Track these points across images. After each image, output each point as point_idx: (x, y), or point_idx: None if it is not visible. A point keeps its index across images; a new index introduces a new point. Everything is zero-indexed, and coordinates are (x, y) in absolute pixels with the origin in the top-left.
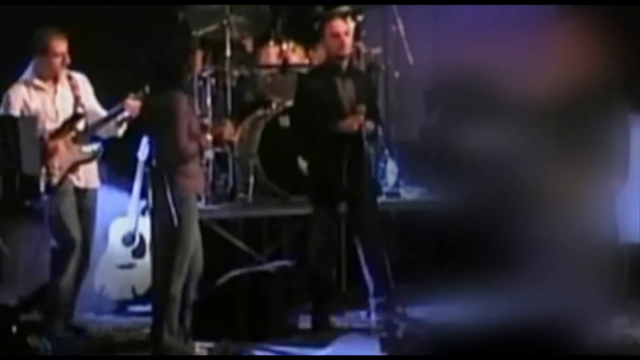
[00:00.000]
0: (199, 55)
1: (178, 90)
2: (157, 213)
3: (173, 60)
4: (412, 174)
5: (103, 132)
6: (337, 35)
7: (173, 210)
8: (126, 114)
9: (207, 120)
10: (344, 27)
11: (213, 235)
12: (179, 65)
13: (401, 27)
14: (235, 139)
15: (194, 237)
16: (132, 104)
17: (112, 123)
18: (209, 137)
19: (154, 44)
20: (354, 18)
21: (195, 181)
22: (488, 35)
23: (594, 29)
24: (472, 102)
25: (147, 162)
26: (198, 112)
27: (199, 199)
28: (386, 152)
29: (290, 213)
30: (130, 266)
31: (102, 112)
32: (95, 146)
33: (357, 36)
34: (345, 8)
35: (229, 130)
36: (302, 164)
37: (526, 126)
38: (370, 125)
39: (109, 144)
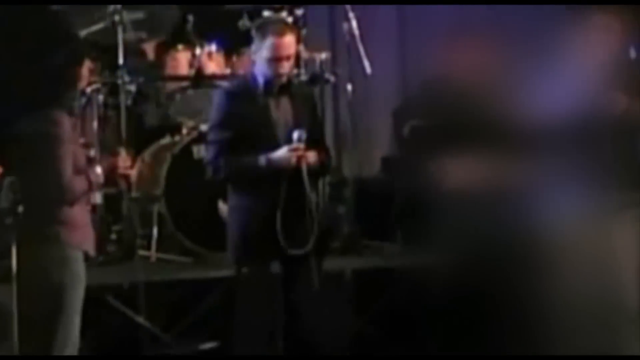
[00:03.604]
0: (87, 64)
1: (57, 111)
2: (26, 280)
3: (50, 71)
4: (372, 221)
5: None
6: (278, 60)
7: (52, 274)
8: None
9: (93, 152)
10: (291, 49)
11: (103, 307)
12: (59, 77)
13: (355, 24)
14: (133, 172)
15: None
16: None
17: None
18: (99, 170)
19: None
20: (291, 12)
21: (82, 232)
22: (474, 34)
23: (606, 29)
24: (453, 124)
25: (10, 211)
26: (82, 140)
27: (86, 257)
28: (336, 192)
29: (208, 276)
30: None
31: None
32: None
33: (296, 37)
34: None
35: (124, 162)
36: (224, 209)
37: (529, 155)
38: (313, 157)
39: None
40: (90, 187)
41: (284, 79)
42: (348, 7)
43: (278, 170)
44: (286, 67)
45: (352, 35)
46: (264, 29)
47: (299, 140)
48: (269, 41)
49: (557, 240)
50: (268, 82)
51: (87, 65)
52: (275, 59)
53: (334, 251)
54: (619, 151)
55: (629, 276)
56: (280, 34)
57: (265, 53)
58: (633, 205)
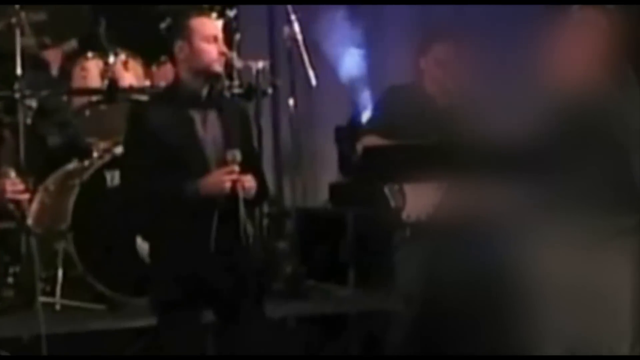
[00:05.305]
0: None
1: None
2: None
3: None
4: (319, 259)
5: None
6: (211, 40)
7: None
8: None
9: None
10: (217, 29)
11: None
12: None
13: (297, 28)
14: (26, 197)
15: None
16: None
17: None
18: None
19: None
20: (222, 14)
21: None
22: (442, 37)
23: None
24: (415, 144)
25: None
26: None
27: None
28: (276, 225)
29: (125, 326)
30: None
31: None
32: None
33: (228, 42)
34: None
35: (15, 185)
36: (143, 247)
37: (507, 179)
38: (249, 182)
39: None
40: None
41: (221, 67)
42: (289, 7)
43: (208, 198)
44: (219, 50)
45: (295, 40)
46: (181, 21)
47: (234, 161)
48: (191, 24)
49: (538, 278)
50: (193, 89)
51: None
52: (209, 38)
53: (275, 294)
54: (609, 168)
55: (623, 315)
56: (201, 13)
57: (194, 35)
58: (628, 231)
